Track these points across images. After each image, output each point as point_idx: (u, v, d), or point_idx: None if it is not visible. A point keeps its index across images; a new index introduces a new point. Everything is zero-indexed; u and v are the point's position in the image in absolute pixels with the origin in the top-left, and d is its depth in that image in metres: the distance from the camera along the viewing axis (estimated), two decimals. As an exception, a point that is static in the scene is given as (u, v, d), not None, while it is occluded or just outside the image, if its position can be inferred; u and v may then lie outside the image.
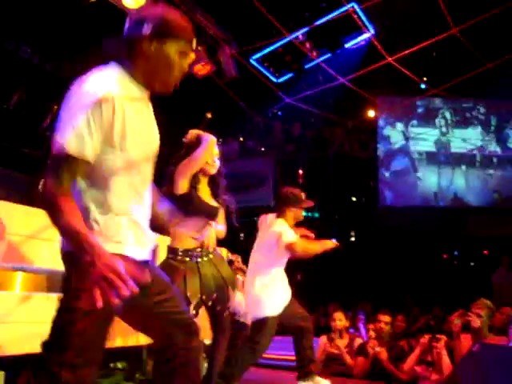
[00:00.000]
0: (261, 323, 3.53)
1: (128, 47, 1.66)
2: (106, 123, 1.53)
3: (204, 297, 2.88)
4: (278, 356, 5.47)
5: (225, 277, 2.99)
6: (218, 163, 3.05)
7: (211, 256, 2.95)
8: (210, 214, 2.95)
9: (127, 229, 1.65)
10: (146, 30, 1.61)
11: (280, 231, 3.58)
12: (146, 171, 1.73)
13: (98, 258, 1.44)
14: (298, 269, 10.59)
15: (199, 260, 2.88)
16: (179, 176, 2.85)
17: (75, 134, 1.50)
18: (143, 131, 1.67)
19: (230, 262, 5.13)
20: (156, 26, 1.62)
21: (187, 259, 2.83)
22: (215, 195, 3.07)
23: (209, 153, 2.94)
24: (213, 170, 3.02)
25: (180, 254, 2.85)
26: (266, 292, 3.57)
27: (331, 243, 3.67)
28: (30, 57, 6.86)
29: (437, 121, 10.64)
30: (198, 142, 2.95)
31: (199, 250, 2.91)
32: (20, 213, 2.78)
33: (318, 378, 3.67)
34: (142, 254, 1.72)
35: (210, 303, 2.92)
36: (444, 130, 10.65)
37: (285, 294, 3.70)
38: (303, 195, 3.85)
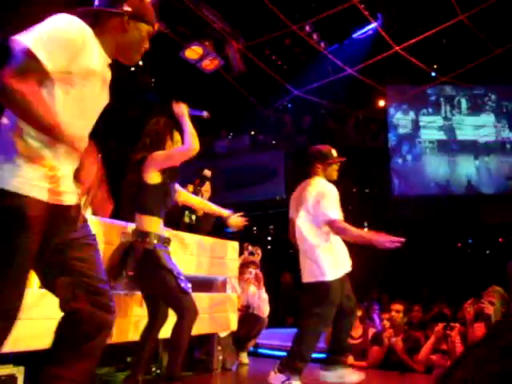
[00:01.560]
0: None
1: (100, 18, 1.82)
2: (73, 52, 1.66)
3: None
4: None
5: None
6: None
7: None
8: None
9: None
10: (127, 8, 1.84)
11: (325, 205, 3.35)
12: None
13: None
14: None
15: (168, 248, 2.93)
16: (155, 166, 2.83)
17: (41, 41, 1.59)
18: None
19: (251, 254, 5.18)
20: (136, 8, 1.86)
21: (155, 241, 2.82)
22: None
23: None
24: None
25: (151, 237, 2.82)
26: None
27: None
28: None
29: (448, 108, 10.56)
30: (166, 129, 2.95)
31: (168, 237, 2.96)
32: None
33: (344, 371, 3.46)
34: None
35: None
36: (455, 117, 10.57)
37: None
38: (333, 151, 3.61)
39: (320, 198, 3.39)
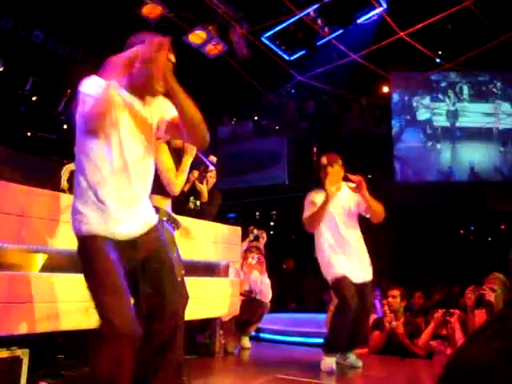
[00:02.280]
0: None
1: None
2: None
3: None
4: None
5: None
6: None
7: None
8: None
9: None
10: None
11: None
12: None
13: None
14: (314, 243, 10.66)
15: (173, 225, 3.01)
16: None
17: None
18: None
19: (256, 238, 5.22)
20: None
21: (164, 218, 2.90)
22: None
23: None
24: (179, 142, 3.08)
25: (160, 213, 2.87)
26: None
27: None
28: (42, 42, 6.91)
29: (452, 95, 10.50)
30: None
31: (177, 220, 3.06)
32: (39, 196, 2.86)
33: (350, 355, 3.85)
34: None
35: None
36: (460, 104, 10.52)
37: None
38: (339, 161, 3.91)
39: None
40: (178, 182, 2.94)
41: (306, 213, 3.85)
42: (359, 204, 3.91)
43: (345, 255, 3.82)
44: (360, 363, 3.84)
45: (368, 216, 3.93)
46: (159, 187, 2.94)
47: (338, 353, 3.76)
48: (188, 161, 3.03)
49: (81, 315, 2.79)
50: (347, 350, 3.84)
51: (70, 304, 2.82)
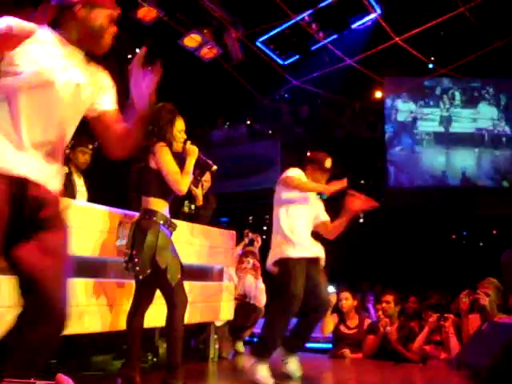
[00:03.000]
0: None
1: (59, 13, 1.86)
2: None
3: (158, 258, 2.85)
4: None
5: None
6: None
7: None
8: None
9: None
10: None
11: (290, 175, 3.66)
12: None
13: None
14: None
15: (171, 229, 2.96)
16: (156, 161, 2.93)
17: None
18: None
19: (251, 242, 5.20)
20: None
21: (161, 222, 2.87)
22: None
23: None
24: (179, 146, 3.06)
25: (157, 216, 2.87)
26: None
27: (340, 183, 3.61)
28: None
29: (445, 101, 10.56)
30: (168, 117, 3.00)
31: (174, 223, 3.01)
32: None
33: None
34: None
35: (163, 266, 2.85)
36: (452, 109, 10.58)
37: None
38: (328, 161, 3.80)
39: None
40: (184, 182, 2.93)
41: (298, 179, 3.64)
42: (317, 217, 3.80)
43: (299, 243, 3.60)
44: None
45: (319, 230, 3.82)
46: (157, 190, 2.92)
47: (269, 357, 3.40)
48: (192, 162, 3.02)
49: (73, 320, 2.75)
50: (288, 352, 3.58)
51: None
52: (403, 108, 10.62)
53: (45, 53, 1.77)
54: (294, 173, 3.67)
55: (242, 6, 7.26)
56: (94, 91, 1.89)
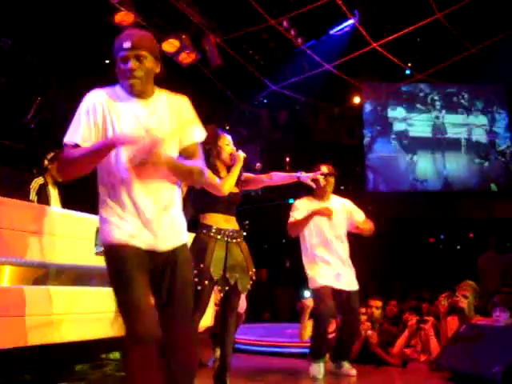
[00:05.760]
0: None
1: None
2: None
3: (228, 275, 3.04)
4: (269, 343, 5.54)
5: (247, 261, 3.18)
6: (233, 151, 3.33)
7: (239, 240, 3.19)
8: (233, 200, 3.27)
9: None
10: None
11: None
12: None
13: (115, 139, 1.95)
14: (286, 254, 10.67)
15: (229, 240, 3.09)
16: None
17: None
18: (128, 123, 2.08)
19: None
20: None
21: (219, 237, 3.05)
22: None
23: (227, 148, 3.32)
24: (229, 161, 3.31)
25: (213, 230, 3.06)
26: None
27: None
28: (9, 48, 6.73)
29: (423, 106, 10.71)
30: (211, 138, 3.21)
31: (231, 231, 3.15)
32: (6, 206, 2.76)
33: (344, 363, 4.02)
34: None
35: (232, 282, 3.06)
36: (430, 115, 10.73)
37: None
38: (325, 168, 3.98)
39: None
40: (227, 183, 3.12)
41: (290, 218, 3.92)
42: (349, 217, 4.05)
43: (328, 264, 3.86)
44: (353, 371, 3.95)
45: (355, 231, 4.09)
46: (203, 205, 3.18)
47: (320, 359, 3.84)
48: (237, 168, 3.24)
49: (50, 329, 2.70)
50: (338, 359, 3.99)
51: (38, 318, 2.72)
52: (381, 114, 10.72)
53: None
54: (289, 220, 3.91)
55: (220, 11, 7.26)
56: None
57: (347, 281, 3.94)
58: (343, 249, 4.03)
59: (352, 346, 4.17)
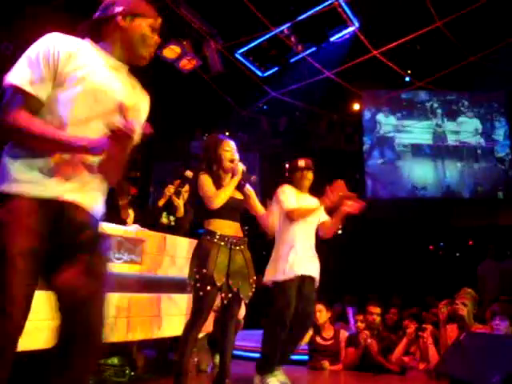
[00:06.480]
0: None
1: (101, 26, 1.84)
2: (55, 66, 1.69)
3: (231, 281, 3.06)
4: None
5: (249, 268, 3.20)
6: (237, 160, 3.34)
7: (243, 247, 3.20)
8: (237, 207, 3.28)
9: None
10: (118, 9, 1.81)
11: (281, 199, 3.70)
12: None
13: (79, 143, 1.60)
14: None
15: (232, 247, 3.11)
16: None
17: (27, 74, 1.65)
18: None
19: None
20: (126, 6, 1.83)
21: (222, 243, 3.06)
22: (237, 188, 3.31)
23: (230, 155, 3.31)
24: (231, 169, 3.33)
25: (217, 237, 3.07)
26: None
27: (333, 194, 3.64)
28: (11, 53, 6.72)
29: (423, 113, 10.73)
30: (212, 147, 3.32)
31: (234, 238, 3.16)
32: None
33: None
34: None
35: (235, 289, 3.08)
36: (430, 122, 10.74)
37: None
38: (300, 162, 3.92)
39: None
40: (220, 197, 3.12)
41: (290, 203, 3.69)
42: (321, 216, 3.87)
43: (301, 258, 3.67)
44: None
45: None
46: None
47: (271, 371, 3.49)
48: (235, 181, 3.25)
49: (48, 334, 2.67)
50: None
51: (31, 323, 2.71)
52: (382, 120, 10.74)
53: (91, 68, 1.73)
54: (290, 204, 3.68)
55: (221, 17, 7.28)
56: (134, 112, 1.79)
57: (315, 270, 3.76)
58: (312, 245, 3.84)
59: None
